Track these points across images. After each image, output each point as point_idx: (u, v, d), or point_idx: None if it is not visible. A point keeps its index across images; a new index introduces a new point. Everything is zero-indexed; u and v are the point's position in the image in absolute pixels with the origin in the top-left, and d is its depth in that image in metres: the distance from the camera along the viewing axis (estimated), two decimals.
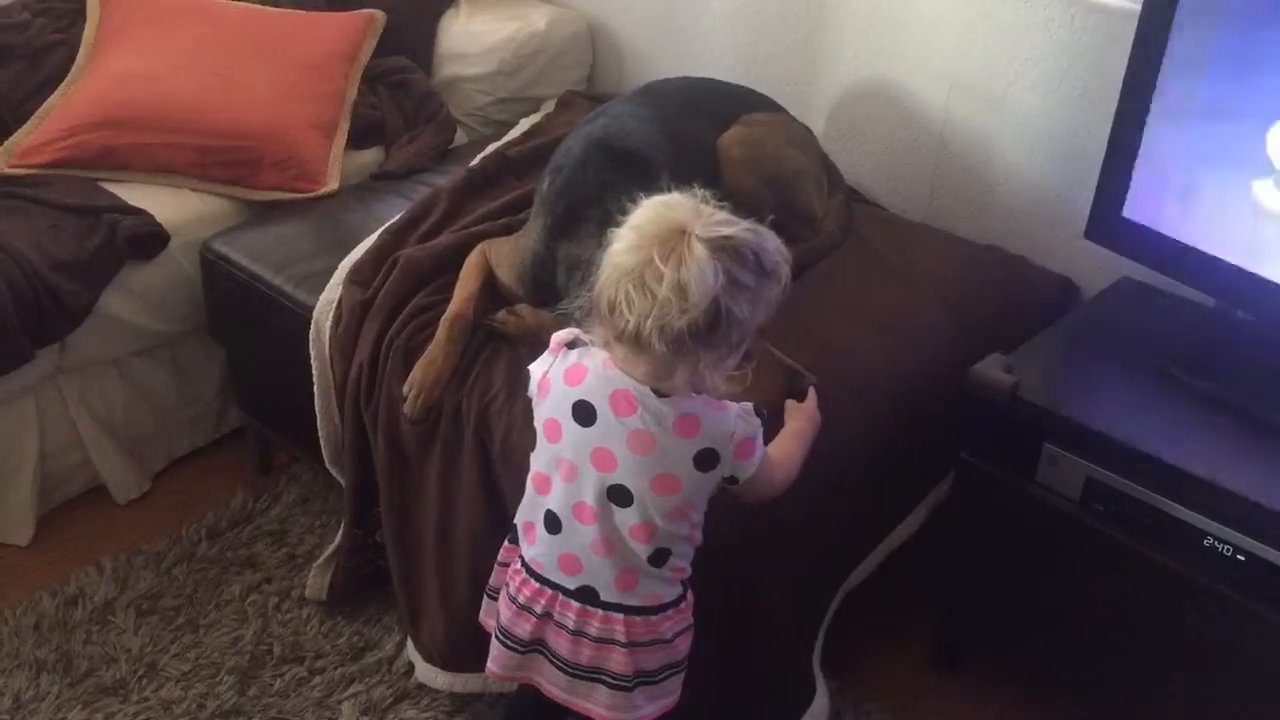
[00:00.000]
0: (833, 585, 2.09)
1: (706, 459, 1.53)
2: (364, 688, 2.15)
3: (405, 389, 2.02)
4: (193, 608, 2.30)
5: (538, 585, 1.63)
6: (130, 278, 2.41)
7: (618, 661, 1.61)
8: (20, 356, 2.26)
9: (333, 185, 2.60)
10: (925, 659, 2.30)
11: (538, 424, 1.61)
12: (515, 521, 1.70)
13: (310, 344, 2.19)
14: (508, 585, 1.68)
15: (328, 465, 2.25)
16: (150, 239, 2.41)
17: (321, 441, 2.21)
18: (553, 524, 1.60)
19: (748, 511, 1.73)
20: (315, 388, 2.19)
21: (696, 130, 2.31)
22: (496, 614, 1.72)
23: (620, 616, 1.60)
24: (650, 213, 1.48)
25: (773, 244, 1.51)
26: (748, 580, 1.87)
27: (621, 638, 1.60)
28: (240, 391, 2.63)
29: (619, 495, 1.54)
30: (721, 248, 1.43)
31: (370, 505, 2.19)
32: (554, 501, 1.59)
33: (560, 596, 1.62)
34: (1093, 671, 2.07)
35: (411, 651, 2.13)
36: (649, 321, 1.41)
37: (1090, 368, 2.11)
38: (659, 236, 1.43)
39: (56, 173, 2.51)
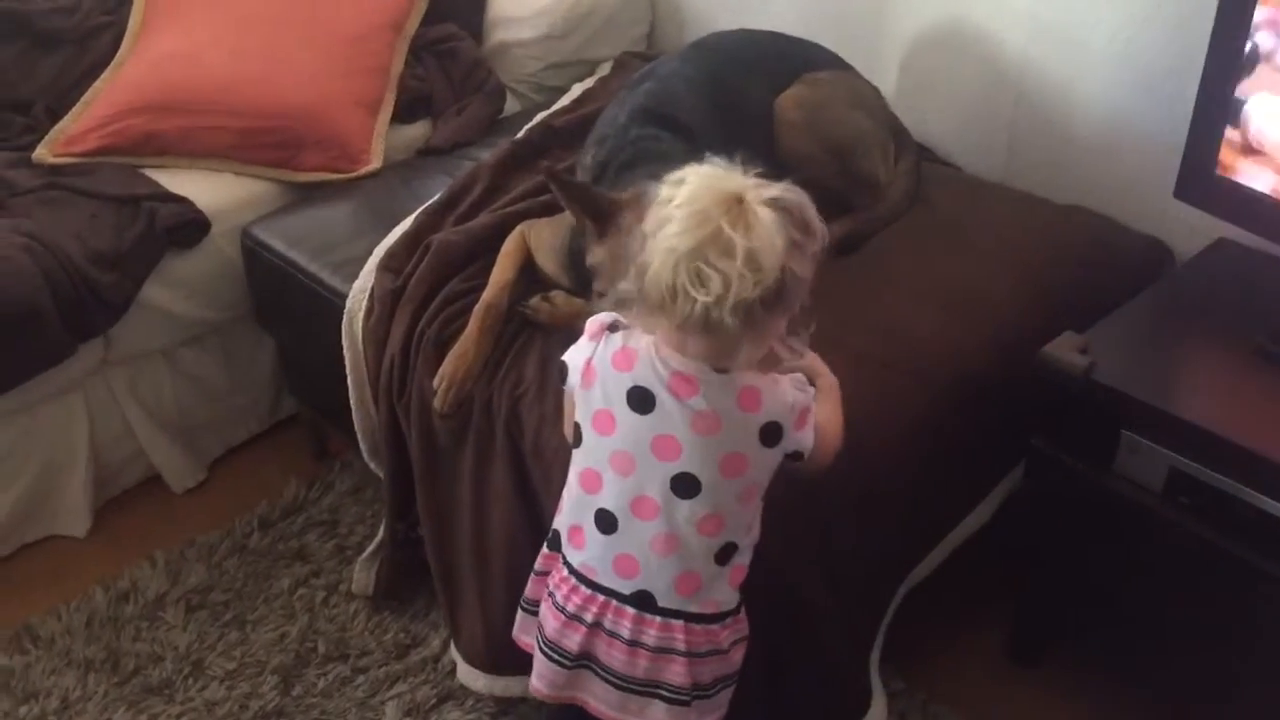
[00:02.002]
0: (891, 584, 1.94)
1: (771, 433, 1.44)
2: (408, 688, 2.09)
3: (435, 382, 1.93)
4: (241, 602, 2.27)
5: (588, 592, 1.52)
6: (172, 267, 2.37)
7: (676, 673, 1.51)
8: (61, 352, 2.23)
9: (375, 164, 2.52)
10: (1000, 655, 2.15)
11: (582, 418, 1.49)
12: (555, 526, 1.59)
13: (344, 335, 2.12)
14: (552, 594, 1.57)
15: (366, 459, 2.18)
16: (190, 227, 2.36)
17: (359, 436, 2.15)
18: (607, 523, 1.48)
19: (789, 511, 1.61)
20: (349, 380, 2.12)
21: (751, 91, 2.16)
22: (537, 629, 1.61)
23: (680, 624, 1.50)
24: (698, 187, 1.36)
25: (808, 201, 1.43)
26: (792, 586, 1.74)
27: (681, 646, 1.50)
28: (291, 378, 2.59)
29: (685, 485, 1.43)
30: (777, 208, 1.36)
31: (411, 499, 2.12)
32: (608, 499, 1.48)
33: (614, 603, 1.51)
34: (1176, 671, 1.90)
35: (454, 651, 2.06)
36: (726, 298, 1.31)
37: (1177, 345, 1.91)
38: (718, 208, 1.33)
39: (99, 160, 2.47)
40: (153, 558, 2.38)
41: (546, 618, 1.56)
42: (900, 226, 2.21)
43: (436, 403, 1.92)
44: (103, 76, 2.63)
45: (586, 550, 1.51)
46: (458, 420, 1.93)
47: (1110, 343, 1.86)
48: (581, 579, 1.52)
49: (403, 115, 2.67)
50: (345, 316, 2.12)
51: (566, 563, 1.55)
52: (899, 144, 2.31)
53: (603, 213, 1.73)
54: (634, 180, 1.86)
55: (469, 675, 2.01)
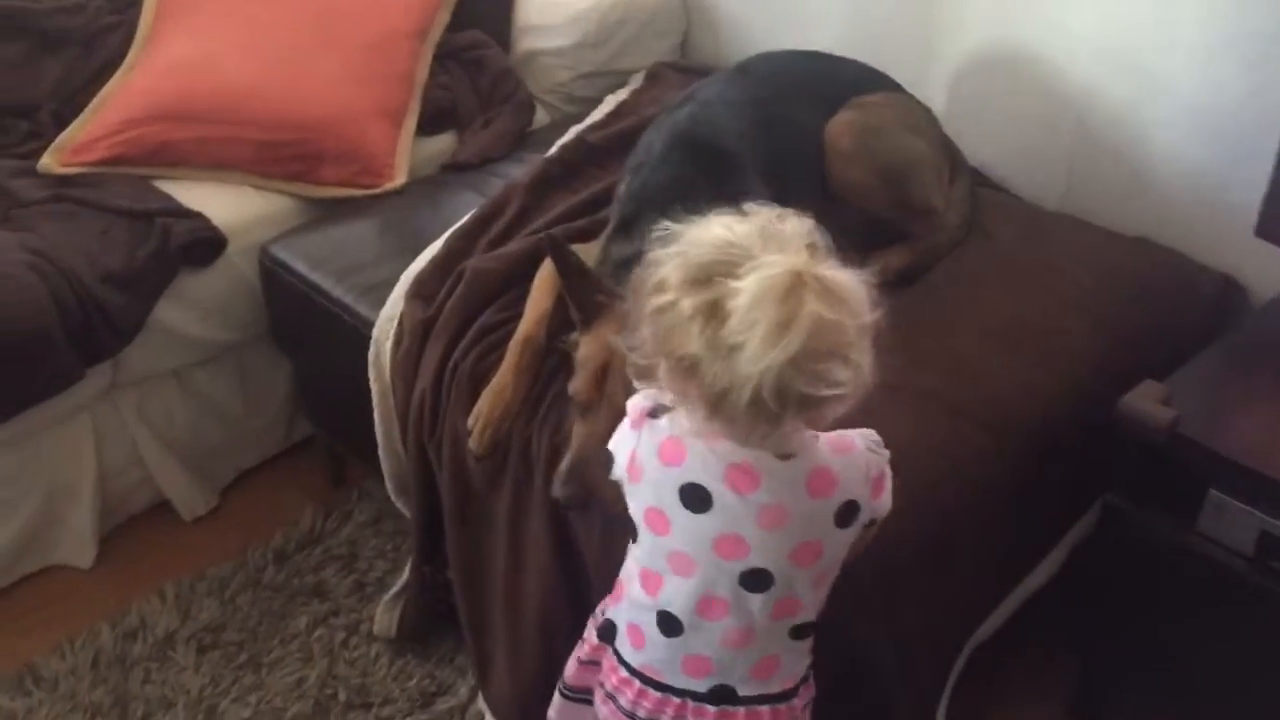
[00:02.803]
0: (958, 641, 1.83)
1: (847, 513, 1.31)
2: None
3: (470, 421, 1.81)
4: (256, 643, 2.15)
5: (660, 695, 1.39)
6: (186, 286, 2.25)
7: None
8: (69, 377, 2.11)
9: (399, 180, 2.40)
10: (1064, 714, 2.03)
11: (635, 513, 1.36)
12: (610, 618, 1.46)
13: (370, 366, 2.00)
14: (614, 697, 1.43)
15: (393, 498, 2.06)
16: (206, 245, 2.24)
17: (385, 474, 2.02)
18: (670, 626, 1.35)
19: (855, 568, 1.49)
20: (376, 415, 1.99)
21: (799, 117, 2.04)
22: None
23: (766, 709, 1.39)
24: (757, 290, 1.16)
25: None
26: (858, 644, 1.63)
27: None
28: (308, 403, 2.47)
29: (756, 580, 1.31)
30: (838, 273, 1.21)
31: (439, 540, 2.00)
32: (670, 603, 1.34)
33: (691, 703, 1.38)
34: None
35: (481, 702, 1.94)
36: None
37: (1266, 395, 1.79)
38: (789, 301, 1.16)
39: (109, 170, 2.34)
40: (162, 591, 2.26)
41: None
42: (958, 257, 2.09)
43: (472, 443, 1.80)
44: (112, 81, 2.50)
45: (648, 652, 1.38)
46: (494, 462, 1.81)
47: (1193, 392, 1.74)
48: (647, 681, 1.39)
49: (427, 127, 2.55)
50: (373, 346, 2.00)
51: (624, 662, 1.41)
52: (953, 167, 2.20)
53: (592, 310, 1.63)
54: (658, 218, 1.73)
55: None
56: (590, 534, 1.72)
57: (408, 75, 2.54)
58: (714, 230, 1.24)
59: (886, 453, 1.37)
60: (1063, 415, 1.85)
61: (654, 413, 1.32)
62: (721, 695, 1.36)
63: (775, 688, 1.38)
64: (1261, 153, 2.01)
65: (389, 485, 2.04)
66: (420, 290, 2.01)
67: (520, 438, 1.79)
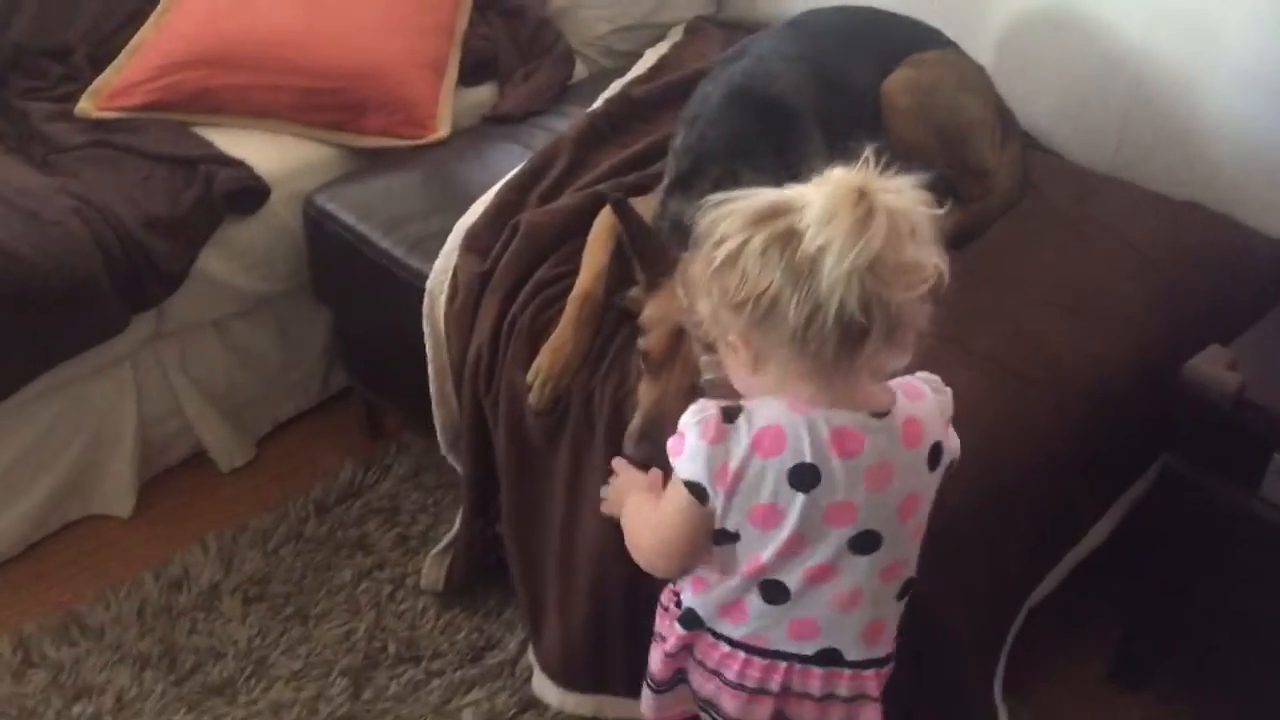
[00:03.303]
0: (1017, 600, 1.84)
1: (935, 456, 1.32)
2: (485, 694, 1.97)
3: (530, 376, 1.80)
4: (302, 595, 2.15)
5: (766, 661, 1.37)
6: (229, 235, 2.22)
7: (870, 718, 1.41)
8: (115, 326, 2.09)
9: (443, 131, 2.37)
10: (1104, 676, 2.05)
11: (735, 524, 1.30)
12: (690, 606, 1.41)
13: (424, 319, 1.98)
14: (719, 673, 1.40)
15: (444, 452, 2.05)
16: (249, 193, 2.21)
17: (437, 428, 2.01)
18: (776, 594, 1.33)
19: (929, 532, 1.49)
20: (430, 369, 1.97)
21: (855, 73, 2.02)
22: (714, 711, 1.45)
23: (871, 672, 1.38)
24: (824, 203, 1.16)
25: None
26: (925, 600, 1.62)
27: (874, 692, 1.40)
28: (347, 356, 2.45)
29: (864, 543, 1.30)
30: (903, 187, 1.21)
31: (491, 495, 2.00)
32: (775, 575, 1.32)
33: (797, 665, 1.37)
34: None
35: (531, 655, 1.95)
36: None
37: None
38: (858, 208, 1.15)
39: (148, 116, 2.31)
40: (204, 542, 2.25)
41: (722, 698, 1.41)
42: (1012, 219, 2.09)
43: (532, 398, 1.79)
44: (148, 23, 2.46)
45: (751, 622, 1.36)
46: (552, 418, 1.81)
47: (1257, 357, 1.74)
48: (751, 650, 1.37)
49: (467, 77, 2.52)
50: (426, 299, 1.98)
51: (722, 637, 1.39)
52: (1005, 128, 2.18)
53: (658, 269, 1.62)
54: (719, 172, 1.74)
55: (543, 686, 1.91)
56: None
57: (448, 25, 2.51)
58: (764, 190, 1.23)
59: (949, 390, 1.36)
60: (1122, 378, 1.85)
61: (727, 416, 1.27)
62: (828, 658, 1.35)
63: (881, 652, 1.38)
64: None
65: (440, 439, 2.03)
66: (474, 243, 1.99)
67: (581, 393, 1.78)
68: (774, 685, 1.37)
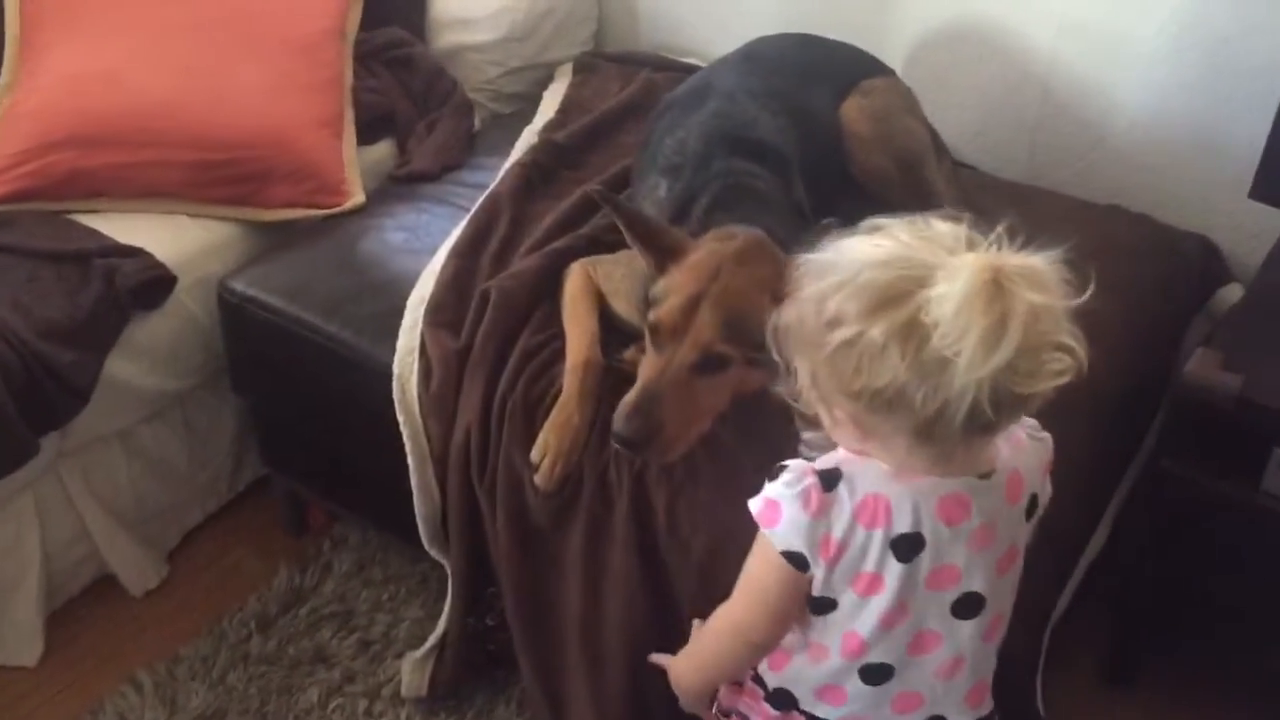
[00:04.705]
0: (1045, 618, 1.83)
1: (1031, 506, 1.27)
2: None
3: (535, 456, 1.67)
4: None
5: None
6: (132, 333, 1.98)
7: None
8: (23, 453, 1.82)
9: (358, 198, 2.18)
10: (1094, 676, 2.07)
11: (832, 591, 1.22)
12: (782, 685, 1.33)
13: (396, 406, 1.80)
14: None
15: (427, 547, 1.87)
16: (157, 285, 1.98)
17: (419, 521, 1.83)
18: (877, 675, 1.26)
19: None
20: (410, 459, 1.80)
21: (817, 105, 1.98)
22: None
23: None
24: (963, 291, 1.05)
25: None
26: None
27: None
28: (268, 448, 2.22)
29: (968, 606, 1.23)
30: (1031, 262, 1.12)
31: (481, 587, 1.85)
32: (877, 655, 1.25)
33: None
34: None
35: None
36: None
37: None
38: (994, 298, 1.05)
39: (16, 208, 2.03)
40: (135, 680, 1.99)
41: None
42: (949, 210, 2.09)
43: (539, 479, 1.66)
44: None
45: (850, 704, 1.29)
46: (561, 498, 1.68)
47: (1239, 354, 1.79)
48: None
49: (362, 135, 2.33)
50: (395, 384, 1.80)
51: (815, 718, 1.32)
52: (937, 147, 2.19)
53: (667, 250, 1.58)
54: (729, 221, 1.67)
55: None
56: (686, 563, 1.62)
57: (337, 79, 2.32)
58: (869, 250, 1.12)
59: (1047, 435, 1.32)
60: (1105, 384, 1.88)
61: (826, 483, 1.19)
62: None
63: (985, 711, 1.33)
64: (1236, 118, 2.12)
65: (422, 532, 1.85)
66: (439, 318, 1.84)
67: (594, 468, 1.66)
68: None
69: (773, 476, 1.22)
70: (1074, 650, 2.10)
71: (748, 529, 1.24)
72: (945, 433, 1.10)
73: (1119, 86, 2.22)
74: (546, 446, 1.66)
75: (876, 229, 1.15)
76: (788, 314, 1.18)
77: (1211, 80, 2.11)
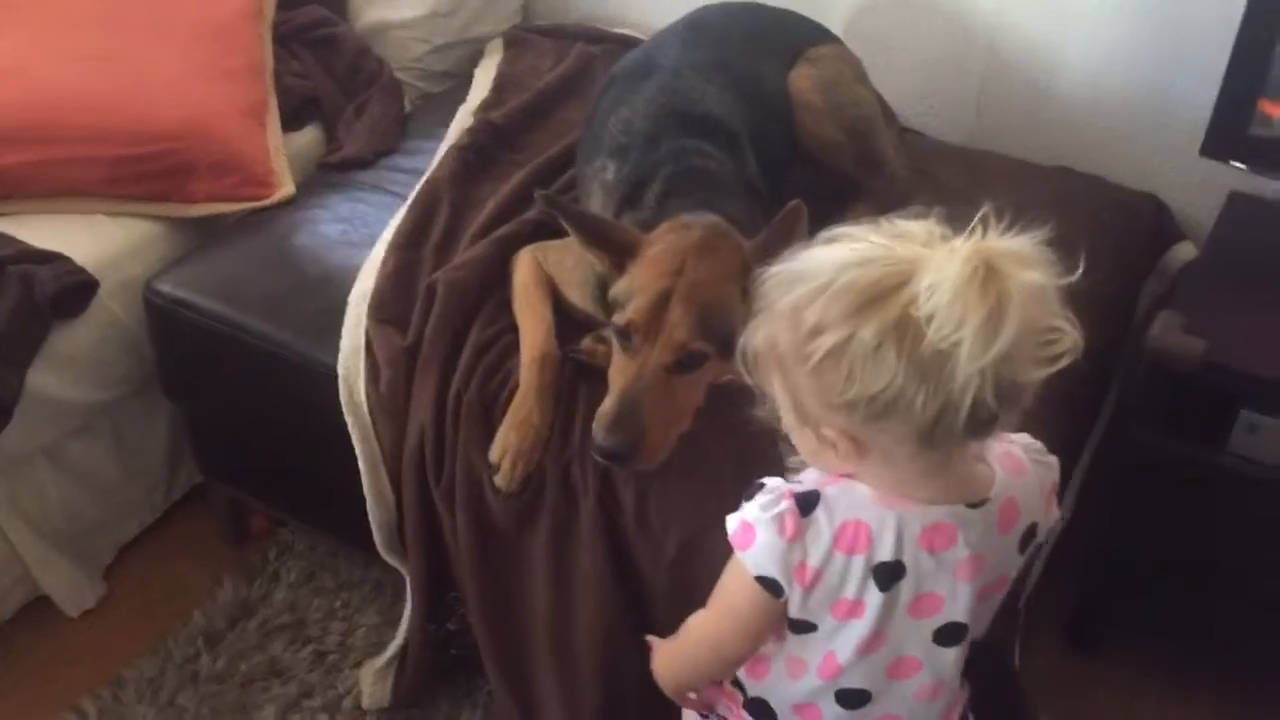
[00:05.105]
0: (1016, 596, 1.81)
1: (1028, 537, 1.20)
2: None
3: (495, 456, 1.60)
4: None
5: None
6: (54, 343, 1.85)
7: None
8: None
9: (287, 189, 2.07)
10: (1057, 641, 2.07)
11: (816, 613, 1.17)
12: (759, 695, 1.28)
13: (345, 409, 1.71)
14: None
15: (382, 554, 1.79)
16: (78, 291, 1.85)
17: (374, 527, 1.75)
18: (855, 700, 1.22)
19: None
20: (361, 464, 1.71)
21: (764, 75, 1.93)
22: None
23: None
24: (950, 280, 0.99)
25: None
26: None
27: None
28: (205, 456, 2.12)
29: (949, 634, 1.18)
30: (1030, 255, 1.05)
31: (441, 593, 1.78)
32: (854, 680, 1.20)
33: None
34: (1245, 650, 1.90)
35: None
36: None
37: (1268, 309, 1.84)
38: (987, 289, 0.99)
39: None
40: (79, 709, 1.89)
41: None
42: (917, 207, 2.05)
43: (500, 480, 1.59)
44: None
45: None
46: (523, 498, 1.61)
47: (1201, 316, 1.78)
48: None
49: (287, 121, 2.22)
50: (342, 386, 1.72)
51: None
52: (886, 115, 2.15)
53: (622, 248, 1.52)
54: (688, 207, 1.61)
55: None
56: (659, 557, 1.56)
57: (257, 65, 2.20)
58: (842, 253, 1.05)
59: (1053, 459, 1.25)
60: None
61: (803, 507, 1.12)
62: None
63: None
64: (1182, 77, 2.10)
65: (377, 539, 1.77)
66: (383, 314, 1.75)
67: (557, 465, 1.59)
68: None
69: (750, 495, 1.15)
70: (1038, 616, 2.09)
71: (721, 524, 1.17)
72: (948, 433, 1.03)
73: (1066, 47, 2.19)
74: (506, 445, 1.59)
75: (837, 238, 1.07)
76: (755, 337, 1.10)
77: (1159, 38, 2.09)
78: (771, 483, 1.15)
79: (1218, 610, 1.92)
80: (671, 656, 1.35)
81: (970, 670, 1.31)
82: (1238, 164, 1.90)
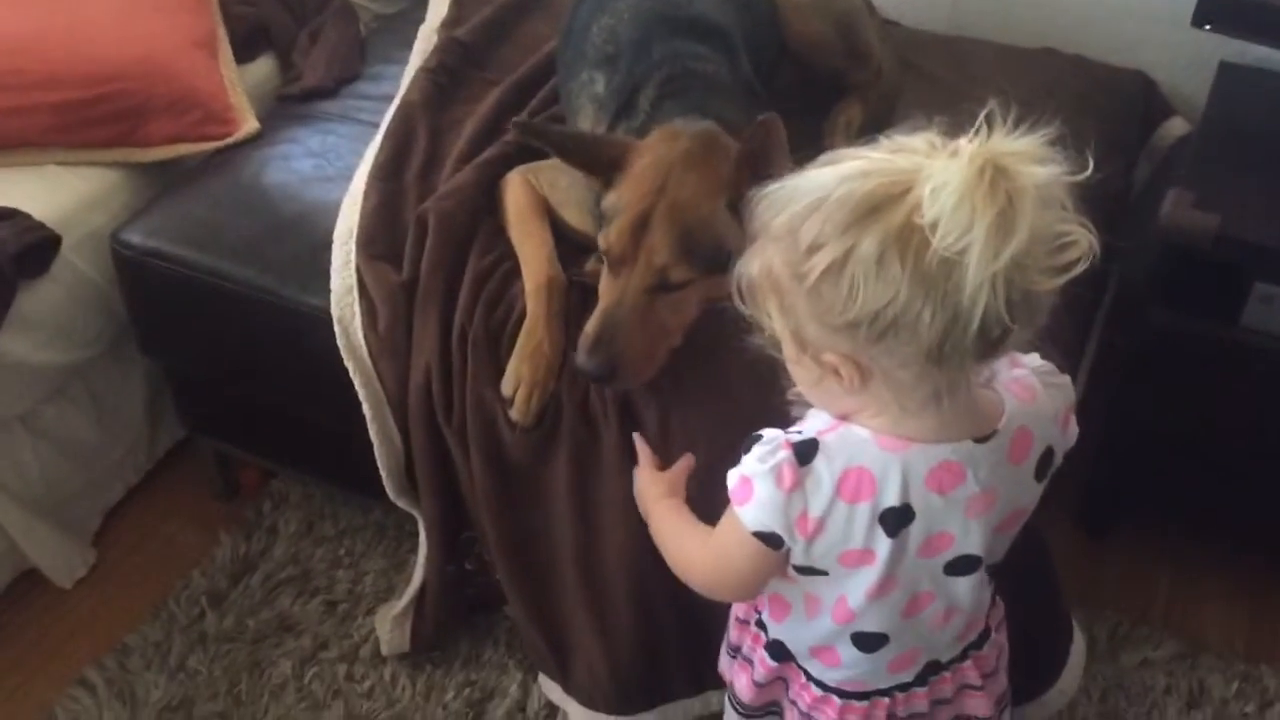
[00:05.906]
0: None
1: (1045, 463, 1.14)
2: None
3: (508, 389, 1.54)
4: (242, 709, 1.79)
5: (865, 703, 1.24)
6: (22, 305, 1.75)
7: (978, 704, 1.28)
8: None
9: (251, 125, 1.96)
10: (1071, 525, 2.07)
11: (822, 561, 1.12)
12: (776, 637, 1.27)
13: (342, 353, 1.63)
14: (814, 716, 1.26)
15: (393, 498, 1.72)
16: (38, 248, 1.75)
17: (383, 472, 1.69)
18: (870, 643, 1.19)
19: None
20: (365, 408, 1.64)
21: None
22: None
23: (968, 663, 1.26)
24: (956, 183, 0.91)
25: None
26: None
27: (977, 681, 1.27)
28: (188, 411, 2.04)
29: (961, 566, 1.14)
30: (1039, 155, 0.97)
31: (455, 533, 1.72)
32: (868, 623, 1.17)
33: (900, 695, 1.24)
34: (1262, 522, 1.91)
35: (560, 696, 1.71)
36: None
37: (1273, 180, 1.81)
38: (995, 191, 0.92)
39: None
40: (85, 681, 1.82)
41: None
42: (908, 100, 1.99)
43: (515, 413, 1.53)
44: None
45: (844, 669, 1.22)
46: (540, 430, 1.55)
47: (1210, 192, 1.74)
48: (848, 695, 1.24)
49: (238, 54, 2.10)
50: (337, 328, 1.64)
51: (816, 680, 1.25)
52: (867, 6, 2.07)
53: (611, 163, 1.46)
54: (683, 111, 1.54)
55: None
56: (690, 482, 1.52)
57: None
58: (838, 168, 0.98)
59: (1065, 379, 1.19)
60: None
61: (801, 456, 1.06)
62: (929, 670, 1.24)
63: (973, 635, 1.26)
64: None
65: (387, 484, 1.70)
66: (374, 250, 1.67)
67: (573, 394, 1.53)
68: (880, 716, 1.25)
69: (747, 448, 1.09)
70: (1048, 502, 2.09)
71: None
72: (957, 351, 0.96)
73: None
74: (519, 377, 1.53)
75: (834, 159, 1.00)
76: (751, 265, 1.04)
77: None
78: (769, 434, 1.09)
79: (1228, 491, 1.92)
80: (674, 538, 1.30)
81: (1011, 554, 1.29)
82: (1234, 35, 1.87)
